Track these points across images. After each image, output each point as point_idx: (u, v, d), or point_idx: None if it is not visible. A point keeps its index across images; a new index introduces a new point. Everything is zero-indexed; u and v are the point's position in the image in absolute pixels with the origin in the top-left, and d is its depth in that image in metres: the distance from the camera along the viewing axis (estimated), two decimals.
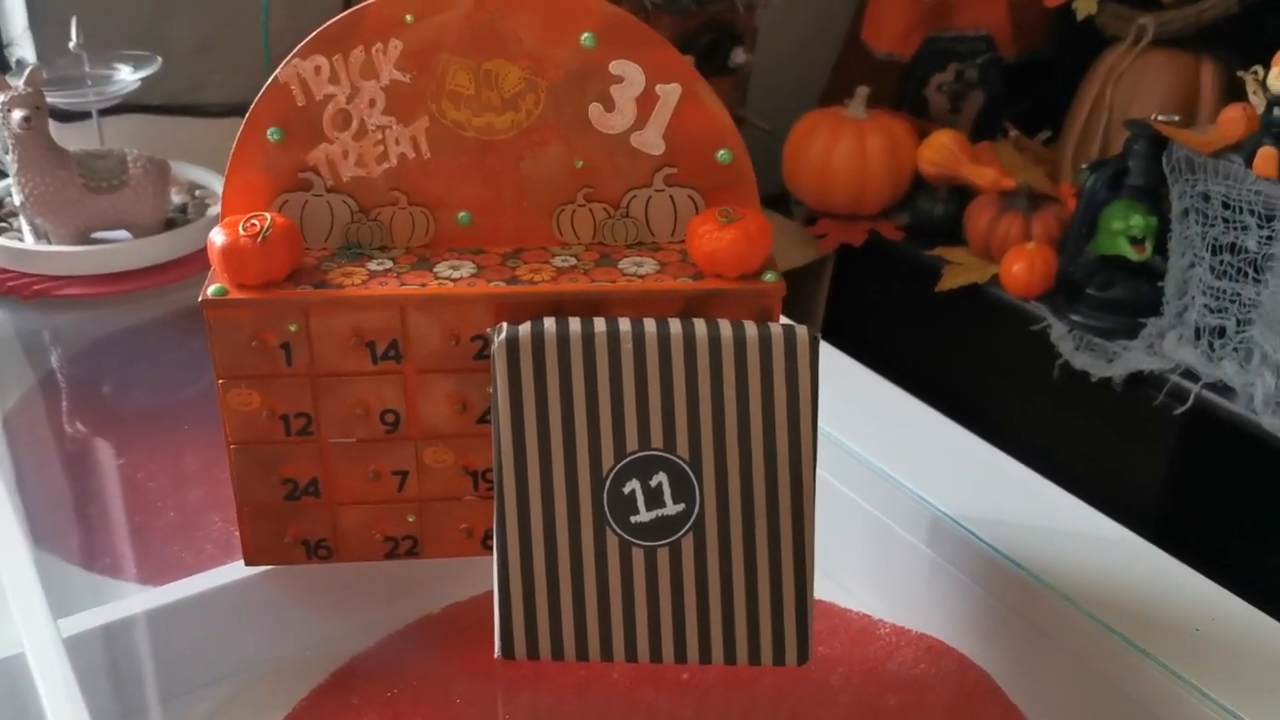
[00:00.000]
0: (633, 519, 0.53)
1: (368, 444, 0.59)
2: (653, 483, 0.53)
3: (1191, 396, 1.07)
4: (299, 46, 0.55)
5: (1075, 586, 0.65)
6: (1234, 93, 1.17)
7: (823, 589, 0.75)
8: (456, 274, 0.57)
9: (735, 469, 0.53)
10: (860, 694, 0.68)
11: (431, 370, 0.58)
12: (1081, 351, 1.16)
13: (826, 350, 0.89)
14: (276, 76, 0.56)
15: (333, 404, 0.58)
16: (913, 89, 1.50)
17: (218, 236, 0.55)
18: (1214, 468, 1.14)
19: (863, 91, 1.40)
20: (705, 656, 0.55)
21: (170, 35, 1.14)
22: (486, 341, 0.53)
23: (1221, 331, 1.06)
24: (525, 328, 0.52)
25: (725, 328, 0.53)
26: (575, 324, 0.53)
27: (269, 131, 0.57)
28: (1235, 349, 1.05)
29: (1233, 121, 1.04)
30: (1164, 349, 1.10)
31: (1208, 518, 1.15)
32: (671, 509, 0.53)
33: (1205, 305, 1.06)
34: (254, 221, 0.55)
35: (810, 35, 1.62)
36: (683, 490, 0.53)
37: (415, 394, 0.58)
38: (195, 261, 0.96)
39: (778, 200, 1.52)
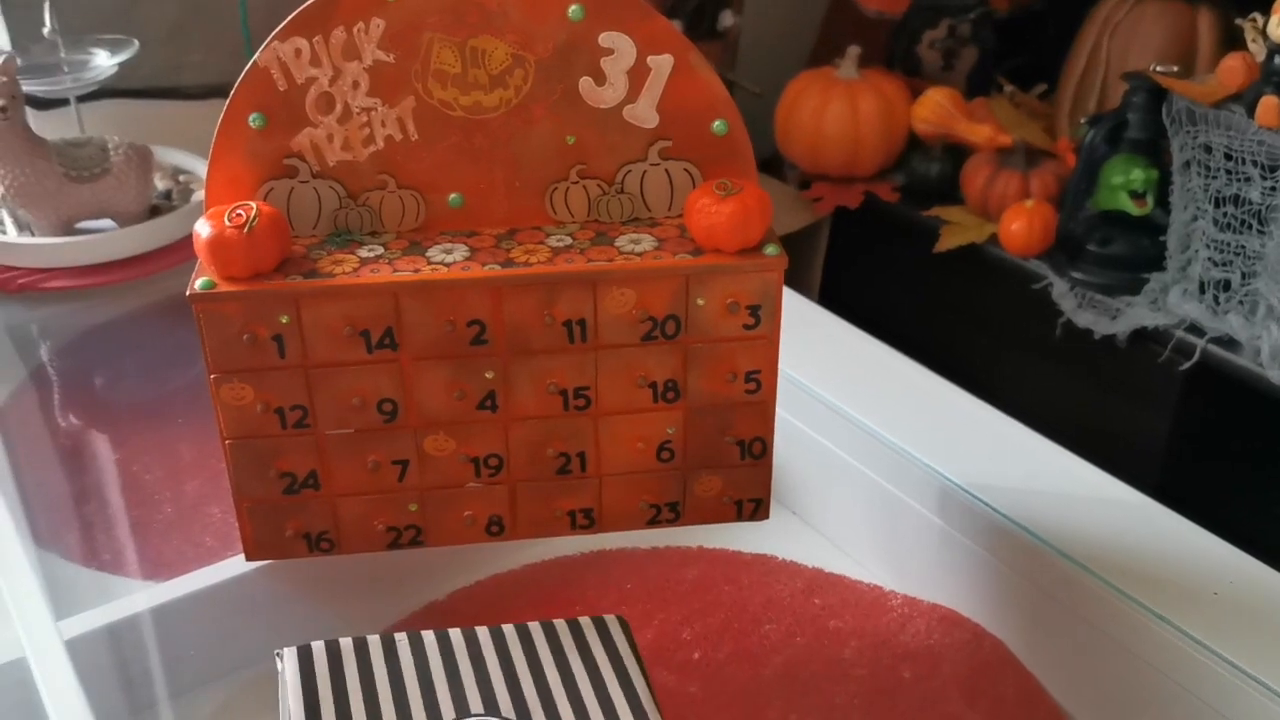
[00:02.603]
0: None
1: (366, 434, 0.58)
2: None
3: (1197, 351, 1.06)
4: (277, 29, 0.53)
5: (1089, 552, 0.64)
6: (1232, 41, 1.15)
7: (833, 561, 0.75)
8: (449, 258, 0.56)
9: None
10: (874, 667, 0.67)
11: (428, 357, 0.56)
12: (1084, 309, 1.15)
13: (826, 316, 0.88)
14: (255, 61, 0.54)
15: (328, 395, 0.57)
16: (904, 46, 1.47)
17: (203, 228, 0.54)
18: (1221, 423, 1.13)
19: (854, 51, 1.38)
20: None
21: (145, 17, 1.12)
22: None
23: (1226, 285, 1.04)
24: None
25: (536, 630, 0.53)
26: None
27: (250, 118, 0.55)
28: (1240, 302, 1.03)
29: (1232, 71, 1.02)
30: (1168, 304, 1.09)
31: (1215, 475, 1.15)
32: None
33: (1209, 258, 1.05)
34: (239, 212, 0.53)
35: None
36: None
37: (412, 382, 0.57)
38: (182, 249, 0.95)
39: (771, 164, 1.50)
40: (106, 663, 0.63)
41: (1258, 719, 0.55)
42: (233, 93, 0.55)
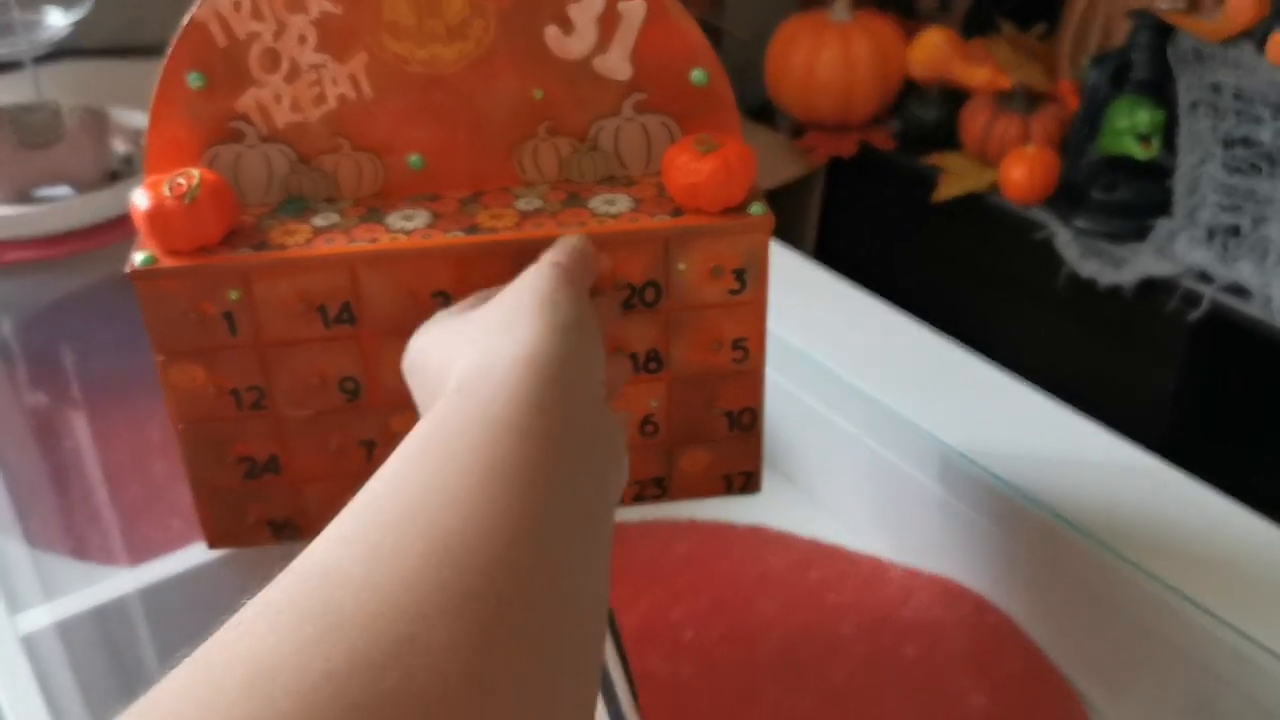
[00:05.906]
0: None
1: (327, 415, 0.54)
2: None
3: (1206, 300, 1.02)
4: None
5: (1095, 519, 0.61)
6: None
7: (829, 531, 0.72)
8: (410, 225, 0.52)
9: None
10: (874, 643, 0.64)
11: (389, 332, 0.52)
12: (1088, 258, 1.11)
13: (821, 274, 0.84)
14: (193, 16, 0.50)
15: (285, 374, 0.53)
16: None
17: (140, 199, 0.50)
18: (1231, 373, 1.10)
19: None
20: None
21: None
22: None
23: (1236, 230, 1.01)
24: None
25: None
26: None
27: (189, 77, 0.51)
28: (1251, 248, 1.00)
29: (1242, 6, 0.98)
30: (1175, 251, 1.05)
31: (1225, 429, 1.12)
32: None
33: (1218, 203, 1.01)
34: (180, 180, 0.49)
35: None
36: None
37: (374, 359, 0.53)
38: None
39: (762, 113, 1.46)
40: (67, 655, 0.60)
41: (1271, 690, 0.52)
42: (169, 50, 0.50)
